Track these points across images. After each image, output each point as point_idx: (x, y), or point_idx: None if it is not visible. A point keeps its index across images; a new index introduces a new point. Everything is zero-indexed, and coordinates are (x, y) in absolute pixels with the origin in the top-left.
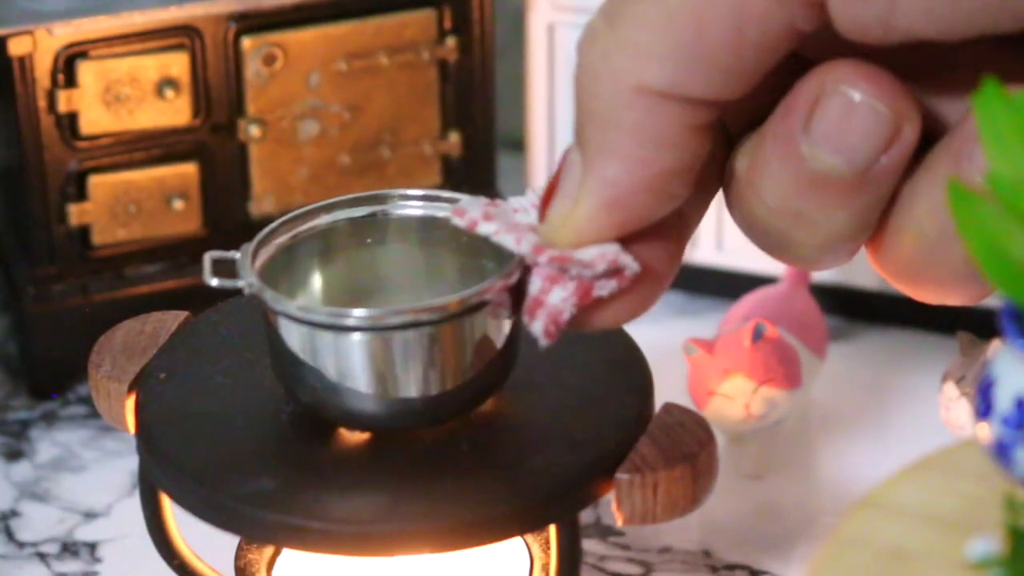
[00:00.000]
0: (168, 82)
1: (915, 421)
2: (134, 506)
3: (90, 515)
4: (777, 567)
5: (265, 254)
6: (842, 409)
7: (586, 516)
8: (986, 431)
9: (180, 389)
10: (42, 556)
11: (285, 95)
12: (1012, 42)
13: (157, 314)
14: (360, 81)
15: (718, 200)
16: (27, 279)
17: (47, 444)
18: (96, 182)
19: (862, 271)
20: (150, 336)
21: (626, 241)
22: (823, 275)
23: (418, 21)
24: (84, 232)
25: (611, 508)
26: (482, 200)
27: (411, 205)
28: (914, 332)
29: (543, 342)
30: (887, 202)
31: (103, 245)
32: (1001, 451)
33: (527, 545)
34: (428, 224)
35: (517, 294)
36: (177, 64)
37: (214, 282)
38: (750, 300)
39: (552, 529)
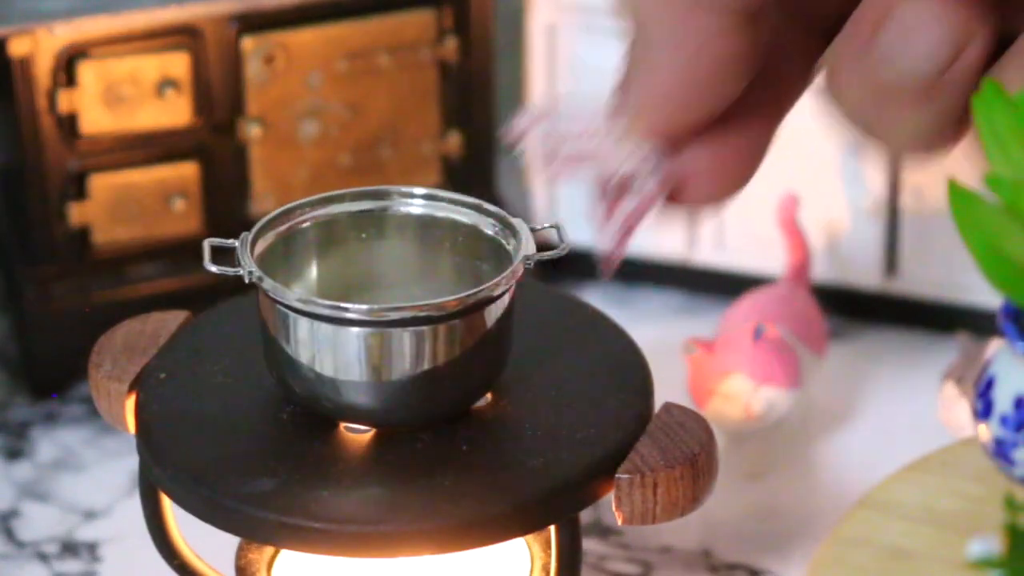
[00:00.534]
0: (168, 82)
1: (915, 421)
2: (134, 506)
3: (90, 515)
4: (777, 567)
5: (263, 243)
6: (842, 409)
7: (586, 516)
8: (986, 431)
9: (180, 389)
10: (42, 556)
11: (285, 95)
12: None
13: (157, 314)
14: (360, 81)
15: None
16: (27, 279)
17: (47, 444)
18: (96, 182)
19: (862, 271)
20: (150, 336)
21: (702, 129)
22: (823, 275)
23: (418, 21)
24: (84, 232)
25: (611, 508)
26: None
27: (411, 203)
28: (914, 332)
29: (615, 256)
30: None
31: (103, 245)
32: (1001, 451)
33: (527, 545)
34: (427, 222)
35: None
36: (177, 64)
37: (213, 268)
38: (750, 300)
39: (552, 529)
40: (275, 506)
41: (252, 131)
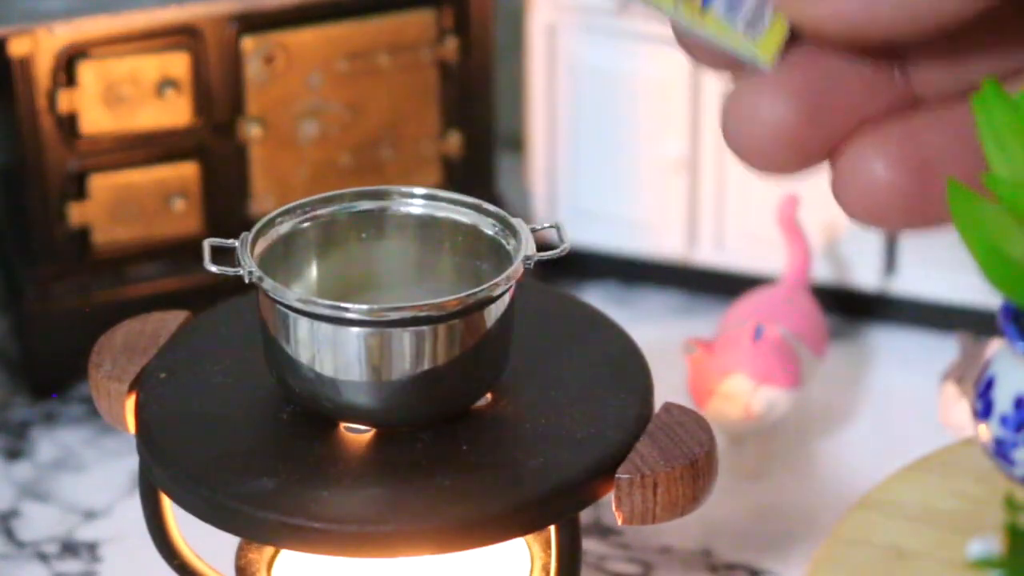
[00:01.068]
0: (168, 82)
1: (915, 421)
2: (134, 506)
3: (90, 515)
4: (777, 567)
5: (264, 243)
6: (842, 409)
7: (586, 516)
8: (986, 431)
9: (180, 389)
10: (42, 556)
11: (285, 95)
12: None
13: (157, 314)
14: (360, 81)
15: (717, 202)
16: (27, 279)
17: (47, 444)
18: (96, 182)
19: (862, 271)
20: (150, 336)
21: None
22: (823, 275)
23: (418, 21)
24: (84, 232)
25: (611, 508)
26: None
27: (411, 203)
28: (914, 332)
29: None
30: None
31: (103, 245)
32: (1001, 451)
33: (527, 545)
34: (427, 222)
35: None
36: (177, 64)
37: (213, 268)
38: (750, 300)
39: (552, 529)
40: (275, 506)
41: (252, 131)
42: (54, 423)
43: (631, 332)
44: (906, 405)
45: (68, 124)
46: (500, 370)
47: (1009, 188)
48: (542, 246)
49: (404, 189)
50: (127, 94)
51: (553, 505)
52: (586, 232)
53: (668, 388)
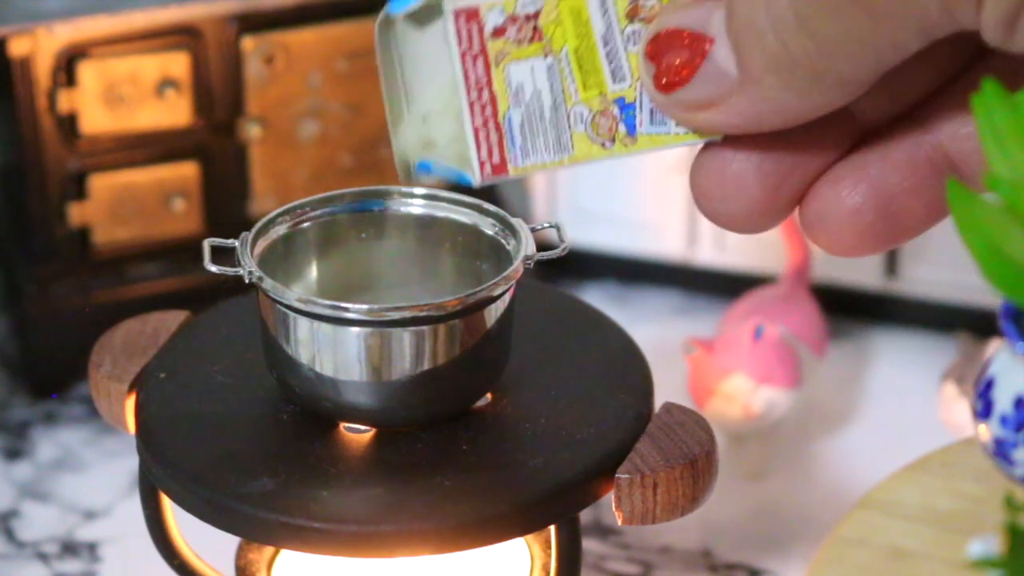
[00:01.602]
0: (168, 82)
1: (915, 421)
2: (134, 506)
3: (90, 515)
4: (777, 567)
5: (263, 243)
6: (842, 409)
7: (586, 516)
8: (986, 431)
9: (180, 389)
10: (42, 556)
11: (285, 95)
12: None
13: (157, 314)
14: (360, 81)
15: None
16: (27, 279)
17: (47, 444)
18: (96, 182)
19: (862, 271)
20: (150, 336)
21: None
22: (823, 275)
23: None
24: (84, 232)
25: (611, 508)
26: None
27: (411, 203)
28: (914, 332)
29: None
30: None
31: (103, 245)
32: (1001, 451)
33: (527, 545)
34: (427, 222)
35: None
36: (177, 64)
37: (213, 268)
38: (750, 300)
39: (552, 529)
40: (275, 506)
41: (252, 131)
42: (54, 423)
43: (631, 332)
44: (906, 405)
45: (68, 124)
46: (500, 370)
47: (1009, 188)
48: (542, 246)
49: (404, 189)
50: (127, 94)
51: (553, 505)
52: (586, 232)
53: (668, 388)
